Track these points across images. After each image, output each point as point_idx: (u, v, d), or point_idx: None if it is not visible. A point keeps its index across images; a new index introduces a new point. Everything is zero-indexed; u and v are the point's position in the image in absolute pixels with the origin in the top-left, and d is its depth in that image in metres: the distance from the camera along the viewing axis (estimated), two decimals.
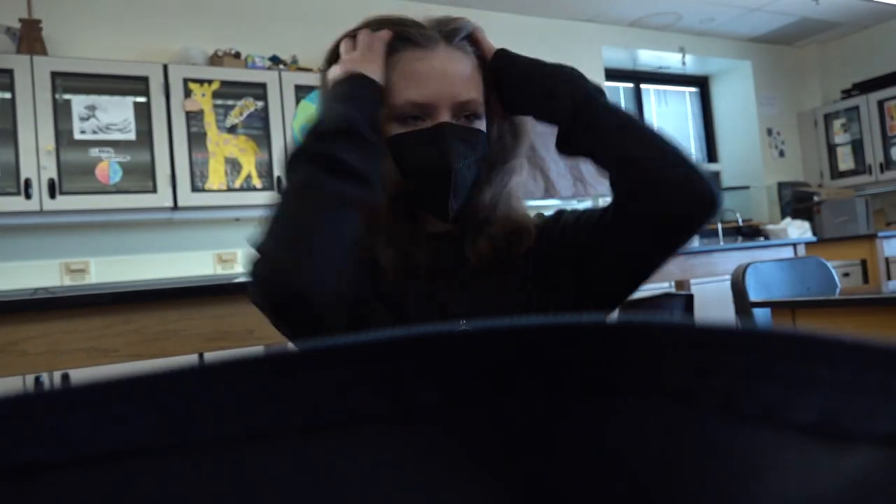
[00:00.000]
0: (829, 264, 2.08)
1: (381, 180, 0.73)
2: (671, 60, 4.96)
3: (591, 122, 0.73)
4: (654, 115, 5.18)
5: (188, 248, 3.24)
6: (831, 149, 5.06)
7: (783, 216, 4.85)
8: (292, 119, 3.19)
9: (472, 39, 0.79)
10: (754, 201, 5.11)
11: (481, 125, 0.79)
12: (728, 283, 1.89)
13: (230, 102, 3.09)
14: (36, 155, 2.70)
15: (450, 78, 0.75)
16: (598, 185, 4.02)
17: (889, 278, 3.79)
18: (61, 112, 2.77)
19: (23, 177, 2.67)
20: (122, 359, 1.72)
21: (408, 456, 0.13)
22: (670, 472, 0.13)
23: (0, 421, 0.11)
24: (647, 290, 3.29)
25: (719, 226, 4.76)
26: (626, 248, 0.76)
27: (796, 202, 4.83)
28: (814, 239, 4.08)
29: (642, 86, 5.15)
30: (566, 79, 0.76)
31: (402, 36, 0.76)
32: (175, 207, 2.93)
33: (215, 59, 3.18)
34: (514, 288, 0.80)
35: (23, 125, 2.69)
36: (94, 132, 2.83)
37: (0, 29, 2.82)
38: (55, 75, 2.76)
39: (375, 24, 0.79)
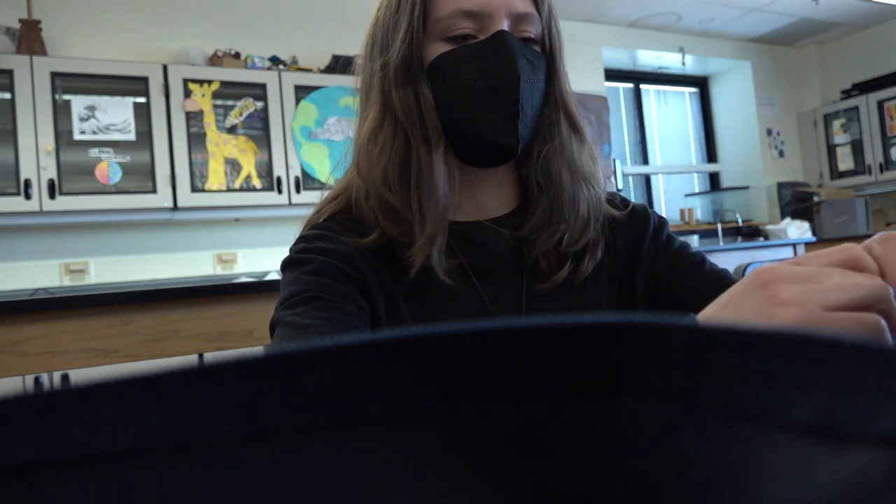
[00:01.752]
0: None
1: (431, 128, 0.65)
2: (671, 61, 4.96)
3: None
4: (654, 116, 5.19)
5: (188, 248, 3.24)
6: (831, 149, 5.06)
7: (783, 216, 4.85)
8: (292, 119, 3.19)
9: None
10: (754, 201, 5.11)
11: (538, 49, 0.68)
12: None
13: (230, 103, 3.09)
14: (36, 155, 2.70)
15: None
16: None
17: None
18: (61, 112, 2.77)
19: (22, 177, 2.68)
20: (122, 359, 1.72)
21: (408, 456, 0.13)
22: (669, 473, 0.13)
23: None
24: None
25: (719, 226, 4.77)
26: None
27: (796, 202, 4.83)
28: (813, 239, 4.08)
29: (642, 86, 5.15)
30: None
31: None
32: (175, 208, 2.93)
33: (215, 60, 3.18)
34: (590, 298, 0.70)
35: (22, 125, 2.69)
36: (94, 132, 2.83)
37: (0, 29, 2.82)
38: (55, 76, 2.76)
39: None
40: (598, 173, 0.72)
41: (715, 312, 0.38)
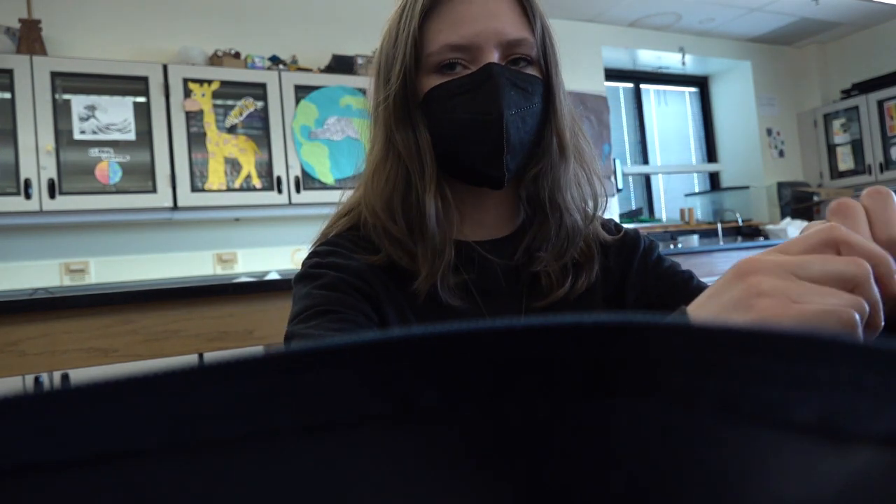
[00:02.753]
0: None
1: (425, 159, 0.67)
2: (671, 60, 4.96)
3: None
4: (654, 116, 5.19)
5: (188, 248, 3.24)
6: (831, 149, 5.06)
7: (783, 216, 4.85)
8: (292, 119, 3.19)
9: None
10: (754, 201, 5.11)
11: (535, 73, 0.68)
12: None
13: (230, 102, 3.09)
14: (36, 155, 2.70)
15: (494, 15, 0.64)
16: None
17: None
18: (61, 112, 2.77)
19: (22, 177, 2.67)
20: (122, 359, 1.72)
21: (408, 456, 0.13)
22: (669, 473, 0.13)
23: None
24: None
25: (719, 226, 4.77)
26: None
27: (796, 202, 4.83)
28: None
29: (642, 86, 5.15)
30: None
31: None
32: (175, 207, 2.93)
33: (215, 59, 3.18)
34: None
35: (22, 125, 2.69)
36: (94, 132, 2.83)
37: (0, 29, 2.82)
38: (55, 75, 2.76)
39: None
40: (588, 195, 0.73)
41: (701, 304, 0.39)
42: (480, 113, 0.64)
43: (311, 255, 0.70)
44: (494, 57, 0.64)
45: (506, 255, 0.71)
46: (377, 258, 0.68)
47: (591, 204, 0.73)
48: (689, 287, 0.72)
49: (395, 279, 0.68)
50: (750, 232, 4.79)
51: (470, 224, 0.71)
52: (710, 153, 5.41)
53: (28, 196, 2.67)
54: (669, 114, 5.28)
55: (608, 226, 0.78)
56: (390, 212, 0.67)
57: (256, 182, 3.11)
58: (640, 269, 0.75)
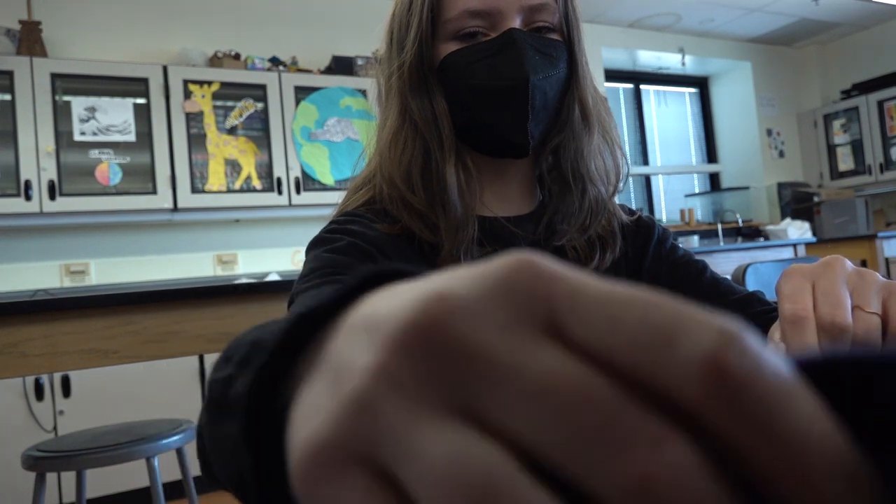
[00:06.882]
0: None
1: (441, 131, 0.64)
2: (671, 61, 4.96)
3: None
4: (653, 116, 5.19)
5: (188, 249, 3.24)
6: (831, 149, 5.06)
7: (783, 217, 4.85)
8: (292, 120, 3.19)
9: None
10: (754, 202, 5.11)
11: (557, 38, 0.66)
12: None
13: (230, 104, 3.10)
14: (36, 156, 2.70)
15: None
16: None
17: (889, 278, 3.78)
18: (61, 114, 2.77)
19: (23, 178, 2.68)
20: (123, 360, 1.72)
21: None
22: None
23: None
24: None
25: (719, 226, 4.76)
26: None
27: (796, 202, 4.83)
28: (813, 239, 4.08)
29: (642, 86, 5.15)
30: None
31: None
32: (175, 209, 2.93)
33: (215, 61, 3.18)
34: None
35: (23, 127, 2.69)
36: (94, 134, 2.83)
37: (0, 30, 2.82)
38: (55, 77, 2.76)
39: None
40: (610, 166, 0.71)
41: None
42: (504, 78, 0.62)
43: (330, 223, 0.68)
44: (516, 22, 0.63)
45: (528, 232, 0.69)
46: (398, 226, 0.65)
47: (613, 176, 0.72)
48: (702, 279, 0.72)
49: (417, 250, 0.66)
50: (750, 232, 4.79)
51: (492, 197, 0.69)
52: (710, 154, 5.40)
53: (28, 197, 2.67)
54: (669, 114, 5.28)
55: (623, 209, 0.77)
56: (409, 183, 0.65)
57: (256, 183, 3.11)
58: (654, 256, 0.74)
